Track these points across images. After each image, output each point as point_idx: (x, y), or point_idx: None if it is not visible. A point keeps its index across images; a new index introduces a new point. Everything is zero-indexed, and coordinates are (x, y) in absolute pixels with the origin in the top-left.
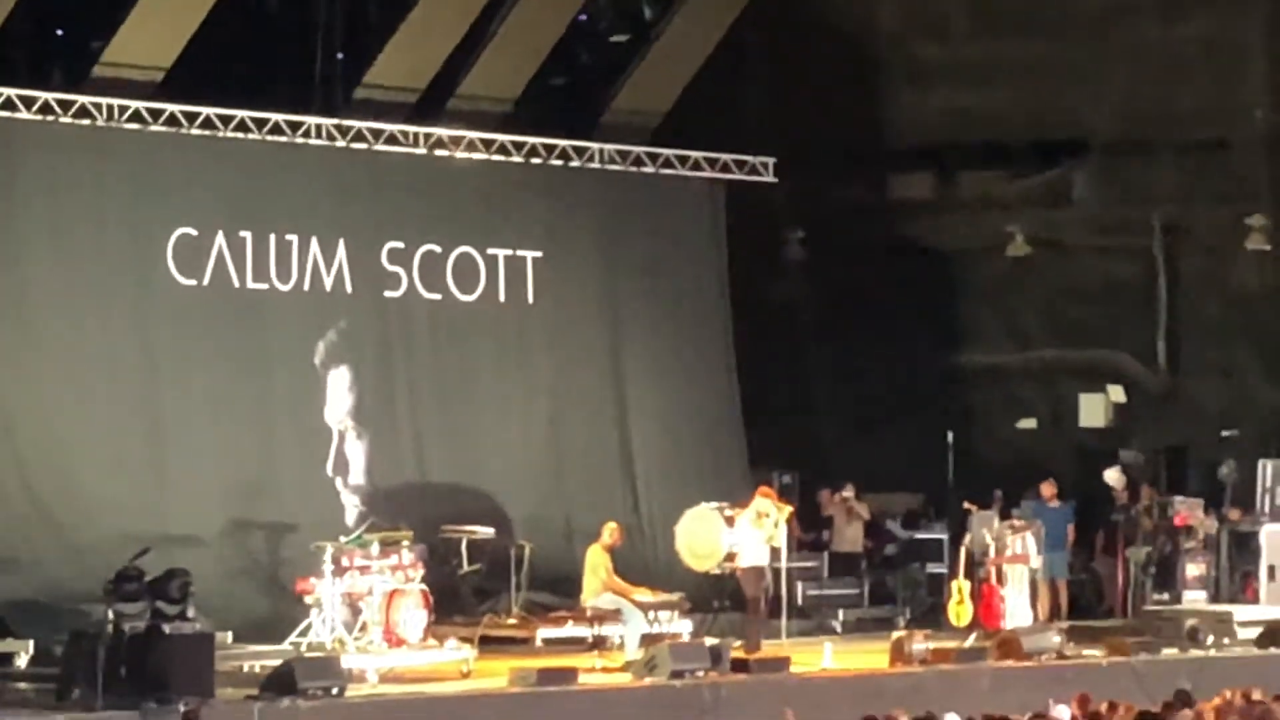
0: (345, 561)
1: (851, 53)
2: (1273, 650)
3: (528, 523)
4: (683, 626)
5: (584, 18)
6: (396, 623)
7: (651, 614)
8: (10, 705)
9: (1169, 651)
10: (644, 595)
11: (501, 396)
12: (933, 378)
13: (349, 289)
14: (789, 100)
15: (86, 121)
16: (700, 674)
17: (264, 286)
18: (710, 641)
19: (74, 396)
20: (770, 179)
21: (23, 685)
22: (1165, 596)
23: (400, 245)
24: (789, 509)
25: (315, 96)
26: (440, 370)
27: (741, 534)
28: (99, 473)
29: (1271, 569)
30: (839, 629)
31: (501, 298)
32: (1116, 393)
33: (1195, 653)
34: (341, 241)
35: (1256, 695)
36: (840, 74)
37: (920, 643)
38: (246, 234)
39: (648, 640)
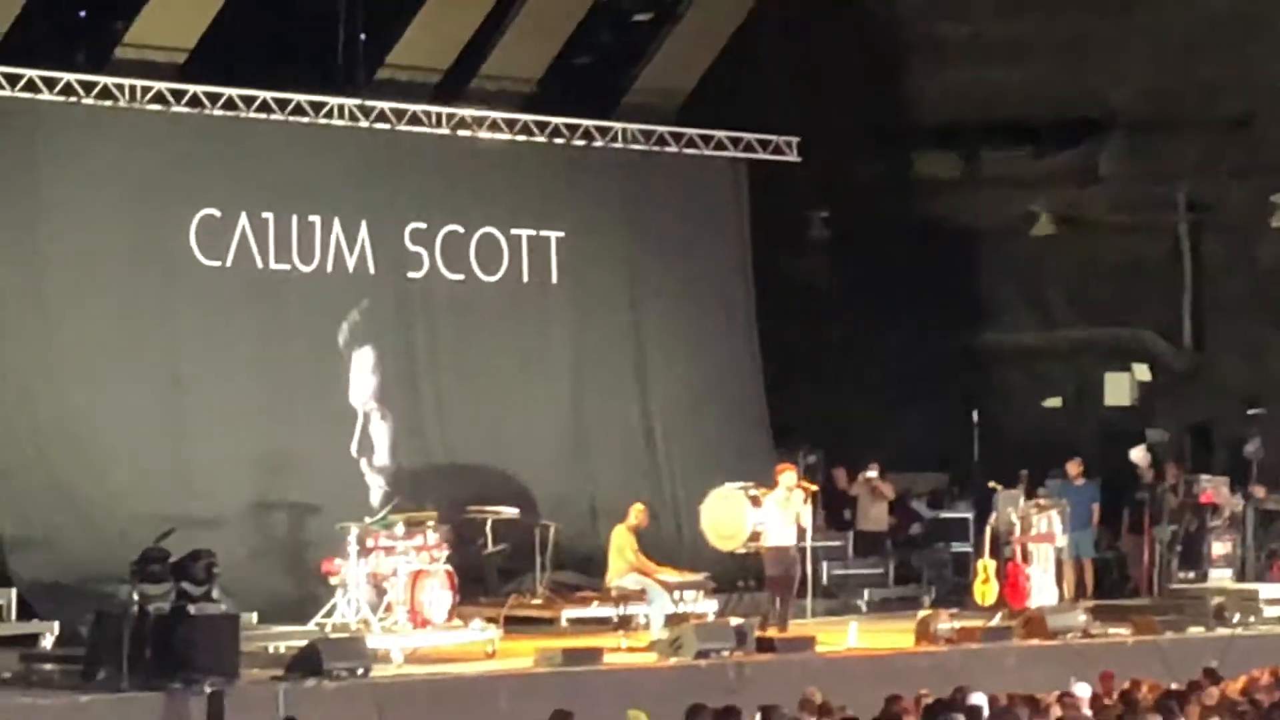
0: (370, 542)
1: (875, 31)
2: None
3: (552, 503)
4: (708, 606)
5: None
6: (422, 603)
7: (676, 594)
8: (36, 686)
9: (1195, 630)
10: (669, 575)
11: (525, 377)
12: (958, 357)
13: (371, 270)
14: (813, 79)
15: (109, 103)
16: (725, 654)
17: (286, 267)
18: (735, 621)
19: (96, 378)
20: (794, 158)
21: (48, 666)
22: (1191, 575)
23: (423, 226)
24: (813, 488)
25: (338, 77)
26: (463, 351)
27: (768, 513)
28: (123, 454)
29: None
30: (864, 608)
31: (525, 278)
32: (1142, 371)
33: (1221, 631)
34: (364, 222)
35: None
36: (864, 53)
37: (946, 622)
38: (269, 215)
39: (673, 620)
